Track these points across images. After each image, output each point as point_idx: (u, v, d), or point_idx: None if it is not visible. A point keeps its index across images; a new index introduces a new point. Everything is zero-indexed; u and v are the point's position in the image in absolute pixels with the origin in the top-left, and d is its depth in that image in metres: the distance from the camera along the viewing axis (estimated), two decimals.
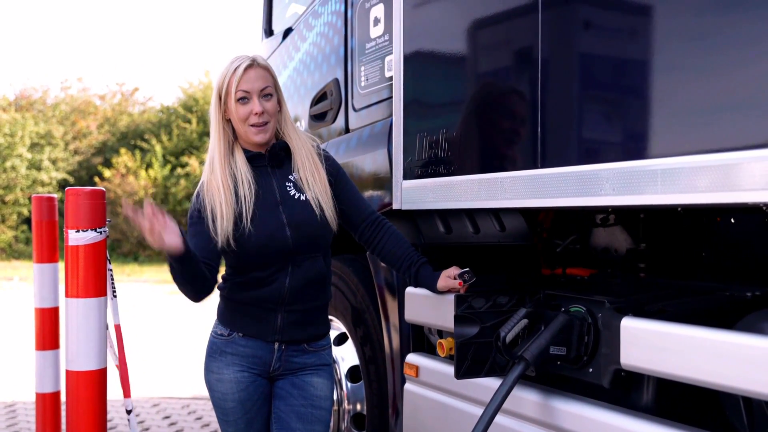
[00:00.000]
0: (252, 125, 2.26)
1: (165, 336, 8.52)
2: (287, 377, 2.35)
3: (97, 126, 22.55)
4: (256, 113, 2.24)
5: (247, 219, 2.22)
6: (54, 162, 21.01)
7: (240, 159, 2.29)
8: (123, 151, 20.98)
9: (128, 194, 19.45)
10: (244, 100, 2.25)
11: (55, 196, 3.89)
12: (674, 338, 1.75)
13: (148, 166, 20.75)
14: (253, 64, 2.27)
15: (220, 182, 2.24)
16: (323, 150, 2.44)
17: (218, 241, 2.22)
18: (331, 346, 2.46)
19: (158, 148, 20.80)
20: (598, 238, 2.92)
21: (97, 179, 20.42)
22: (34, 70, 42.09)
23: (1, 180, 20.10)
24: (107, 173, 20.26)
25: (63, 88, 23.52)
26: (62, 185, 21.25)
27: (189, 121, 21.61)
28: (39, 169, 20.71)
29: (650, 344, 1.80)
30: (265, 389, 2.35)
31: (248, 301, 2.30)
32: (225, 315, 2.36)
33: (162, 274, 16.46)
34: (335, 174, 2.41)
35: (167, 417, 5.16)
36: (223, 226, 2.21)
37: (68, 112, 22.63)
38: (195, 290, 2.21)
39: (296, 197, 2.31)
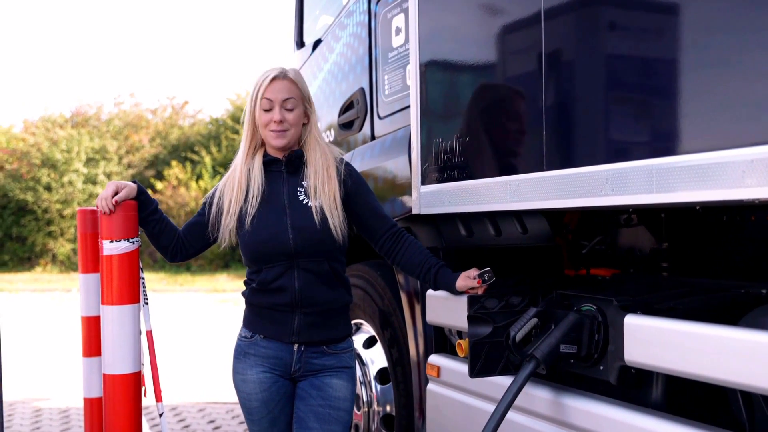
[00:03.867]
0: (271, 131, 2.41)
1: (213, 343, 8.71)
2: (308, 378, 2.43)
3: (149, 140, 23.05)
4: (275, 121, 2.39)
5: (247, 217, 2.39)
6: (109, 176, 21.54)
7: (257, 163, 2.46)
8: (174, 163, 21.43)
9: (180, 205, 19.86)
10: (267, 109, 2.40)
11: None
12: (676, 334, 1.76)
13: (199, 177, 21.17)
14: (280, 76, 2.41)
15: (236, 182, 2.44)
16: (348, 164, 2.53)
17: (219, 233, 2.44)
18: (353, 349, 2.52)
19: (208, 159, 21.22)
20: (622, 238, 2.93)
21: (150, 191, 20.88)
22: (88, 88, 43.32)
23: (60, 195, 20.69)
24: (159, 185, 20.72)
25: (116, 103, 24.11)
26: None
27: (237, 132, 21.96)
28: (95, 183, 21.28)
29: (653, 341, 1.82)
30: (288, 390, 2.44)
31: (266, 305, 2.42)
32: (248, 318, 2.49)
33: (213, 283, 16.79)
34: (356, 187, 2.50)
35: (212, 421, 5.30)
36: (226, 221, 2.42)
37: (121, 127, 23.18)
38: (161, 245, 2.59)
39: (304, 203, 2.41)
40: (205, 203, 2.52)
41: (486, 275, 2.35)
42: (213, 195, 2.50)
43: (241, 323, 2.55)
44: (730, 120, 1.60)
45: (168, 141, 23.32)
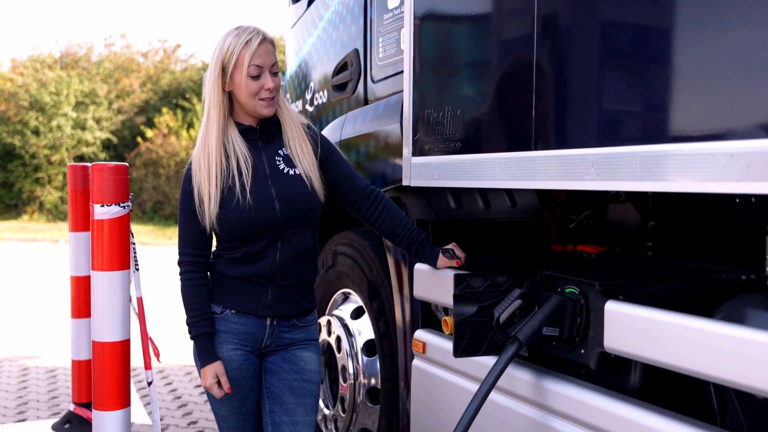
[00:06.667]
0: (261, 99, 2.28)
1: None
2: (278, 353, 2.40)
3: (140, 84, 22.71)
4: (268, 89, 2.27)
5: (246, 191, 2.25)
6: (98, 121, 21.25)
7: (234, 133, 2.31)
8: (165, 110, 21.18)
9: (170, 155, 19.69)
10: (256, 75, 2.26)
11: (89, 165, 3.99)
12: (654, 324, 1.79)
13: (189, 126, 20.98)
14: (266, 39, 2.29)
15: (213, 159, 2.26)
16: (313, 127, 2.48)
17: (206, 223, 2.27)
18: (317, 322, 2.52)
19: (199, 107, 20.99)
20: (609, 214, 2.94)
21: (139, 140, 20.71)
22: (78, 26, 42.47)
23: (48, 139, 20.38)
24: (149, 133, 20.51)
25: (107, 45, 23.64)
26: (106, 145, 21.59)
27: None
28: (83, 128, 20.99)
29: (632, 329, 1.85)
30: (257, 366, 2.39)
31: (240, 277, 2.33)
32: (217, 292, 2.37)
33: None
34: (327, 150, 2.45)
35: (199, 385, 5.32)
36: (210, 208, 2.25)
37: (112, 70, 22.79)
38: None
39: (285, 171, 2.34)
40: (186, 195, 2.32)
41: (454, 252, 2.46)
42: (190, 182, 2.30)
43: None
44: (718, 112, 1.61)
45: (159, 86, 22.98)
